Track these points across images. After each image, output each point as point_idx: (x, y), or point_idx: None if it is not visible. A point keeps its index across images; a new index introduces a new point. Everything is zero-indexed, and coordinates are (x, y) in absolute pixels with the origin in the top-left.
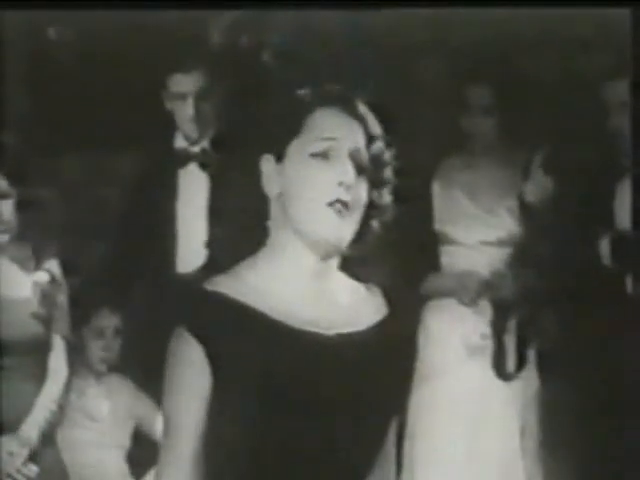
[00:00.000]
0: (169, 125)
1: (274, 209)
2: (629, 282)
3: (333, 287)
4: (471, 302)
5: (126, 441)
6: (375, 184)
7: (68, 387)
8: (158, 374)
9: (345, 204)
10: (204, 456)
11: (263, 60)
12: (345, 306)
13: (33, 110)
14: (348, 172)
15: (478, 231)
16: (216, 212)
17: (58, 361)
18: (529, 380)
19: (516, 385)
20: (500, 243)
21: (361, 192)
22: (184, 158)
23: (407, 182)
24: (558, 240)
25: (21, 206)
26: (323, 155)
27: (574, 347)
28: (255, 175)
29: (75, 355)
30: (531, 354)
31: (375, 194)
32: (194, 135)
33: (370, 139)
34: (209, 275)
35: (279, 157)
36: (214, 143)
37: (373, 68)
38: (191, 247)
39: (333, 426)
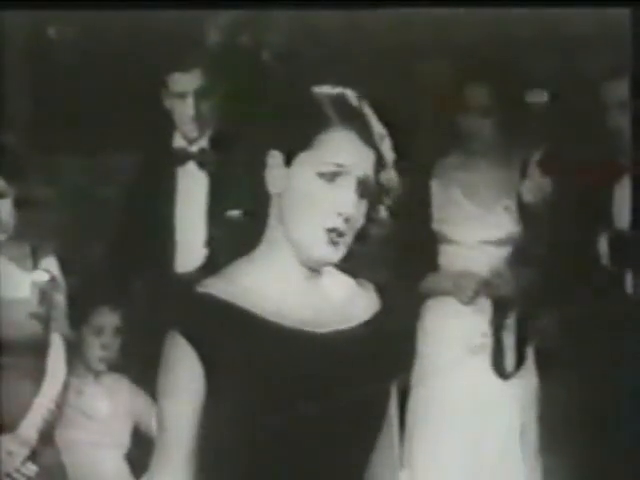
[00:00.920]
0: (168, 124)
1: (272, 207)
2: (628, 281)
3: (326, 284)
4: (469, 301)
5: (125, 440)
6: (375, 203)
7: (67, 386)
8: (157, 373)
9: (341, 234)
10: (198, 457)
11: (263, 60)
12: (338, 303)
13: (32, 109)
14: (349, 203)
15: (477, 230)
16: (215, 212)
17: (57, 360)
18: (528, 379)
19: (515, 384)
20: (499, 242)
21: (359, 214)
22: (183, 157)
23: (405, 181)
24: (556, 240)
25: (19, 205)
26: (330, 178)
27: (573, 346)
28: (257, 173)
29: (74, 354)
30: (530, 353)
31: (373, 211)
32: (193, 134)
33: (381, 166)
34: (208, 275)
35: (287, 161)
36: (213, 142)
37: (373, 68)
38: (190, 246)
39: (329, 424)
